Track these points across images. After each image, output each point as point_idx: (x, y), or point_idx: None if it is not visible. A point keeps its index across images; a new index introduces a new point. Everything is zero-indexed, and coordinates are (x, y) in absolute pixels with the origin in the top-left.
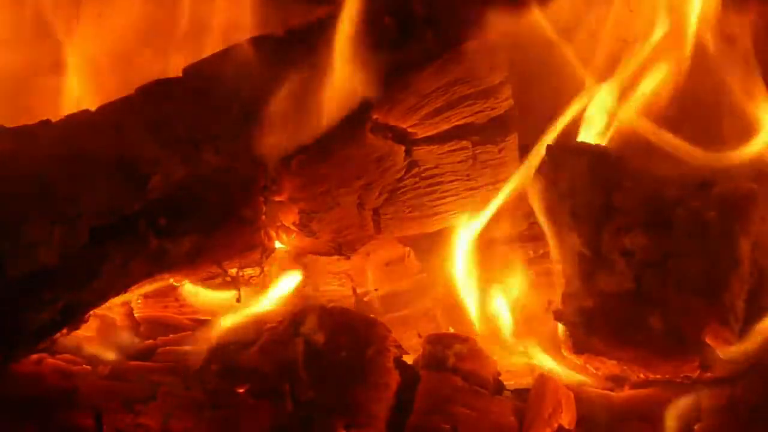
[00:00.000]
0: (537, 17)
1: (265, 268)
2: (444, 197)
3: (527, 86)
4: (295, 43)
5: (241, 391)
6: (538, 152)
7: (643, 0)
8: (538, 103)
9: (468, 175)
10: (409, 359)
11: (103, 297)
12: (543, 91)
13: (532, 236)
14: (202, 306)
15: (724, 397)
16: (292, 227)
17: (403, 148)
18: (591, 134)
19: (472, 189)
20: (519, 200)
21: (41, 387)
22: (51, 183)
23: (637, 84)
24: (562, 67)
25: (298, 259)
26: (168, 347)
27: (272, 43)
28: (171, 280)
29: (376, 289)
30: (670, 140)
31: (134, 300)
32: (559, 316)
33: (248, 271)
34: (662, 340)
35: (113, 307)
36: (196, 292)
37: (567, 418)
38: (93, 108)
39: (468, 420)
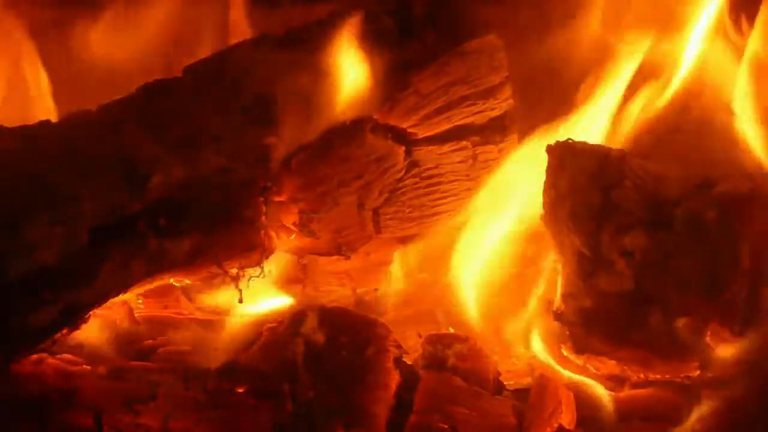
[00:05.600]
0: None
1: (266, 269)
2: (444, 197)
3: (527, 86)
4: (295, 43)
5: (241, 391)
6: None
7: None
8: (537, 102)
9: (468, 175)
10: (409, 359)
11: (103, 297)
12: (543, 91)
13: (532, 236)
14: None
15: (724, 398)
16: (292, 227)
17: (403, 148)
18: (592, 134)
19: (472, 189)
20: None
21: (41, 387)
22: (51, 183)
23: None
24: (563, 67)
25: (298, 259)
26: (168, 347)
27: (272, 43)
28: (171, 280)
29: (376, 289)
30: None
31: (134, 300)
32: (559, 316)
33: (248, 271)
34: (662, 340)
35: (113, 307)
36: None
37: (567, 418)
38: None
39: (468, 420)
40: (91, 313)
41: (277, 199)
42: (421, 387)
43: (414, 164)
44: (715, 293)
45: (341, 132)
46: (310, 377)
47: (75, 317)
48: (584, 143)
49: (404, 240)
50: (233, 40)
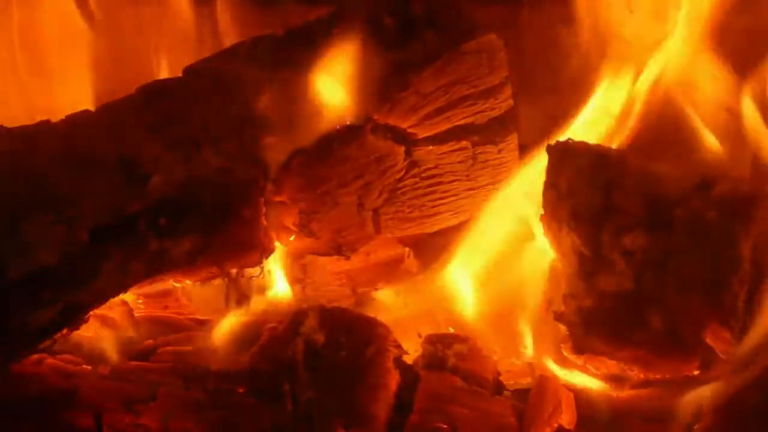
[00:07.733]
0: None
1: (265, 269)
2: (444, 197)
3: (527, 86)
4: (295, 43)
5: (241, 391)
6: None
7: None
8: (538, 102)
9: (468, 175)
10: (409, 359)
11: (103, 297)
12: (543, 91)
13: (531, 236)
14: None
15: (724, 397)
16: (292, 227)
17: (403, 148)
18: (592, 134)
19: (472, 189)
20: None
21: (41, 387)
22: (51, 183)
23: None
24: (563, 66)
25: (298, 259)
26: (168, 347)
27: (272, 43)
28: (171, 281)
29: (376, 289)
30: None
31: (134, 300)
32: (559, 317)
33: (248, 272)
34: (662, 340)
35: (113, 307)
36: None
37: (567, 418)
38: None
39: (467, 420)
40: (91, 313)
41: (277, 199)
42: (421, 387)
43: (414, 164)
44: (715, 293)
45: (341, 132)
46: (310, 377)
47: (75, 317)
48: (584, 143)
49: (404, 240)
50: (233, 40)
